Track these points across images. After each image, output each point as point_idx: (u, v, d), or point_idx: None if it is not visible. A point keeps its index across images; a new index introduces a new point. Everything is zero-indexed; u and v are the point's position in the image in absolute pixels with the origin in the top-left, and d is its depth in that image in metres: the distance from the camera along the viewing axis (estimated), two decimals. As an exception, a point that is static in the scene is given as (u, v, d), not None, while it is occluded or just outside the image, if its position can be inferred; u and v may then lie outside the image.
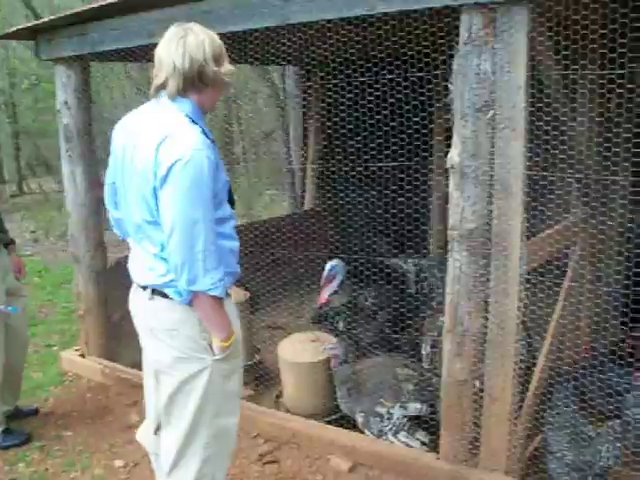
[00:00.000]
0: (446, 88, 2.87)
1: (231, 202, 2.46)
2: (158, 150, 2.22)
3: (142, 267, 2.48)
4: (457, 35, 2.76)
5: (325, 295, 4.48)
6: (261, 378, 4.44)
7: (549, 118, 2.91)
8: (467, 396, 3.07)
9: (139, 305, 2.56)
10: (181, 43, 2.26)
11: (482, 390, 3.04)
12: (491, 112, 2.73)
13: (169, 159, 2.18)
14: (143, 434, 2.86)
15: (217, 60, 2.32)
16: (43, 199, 14.90)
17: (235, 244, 2.48)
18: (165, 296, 2.41)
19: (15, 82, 16.12)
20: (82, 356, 4.96)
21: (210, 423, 2.49)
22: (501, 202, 2.79)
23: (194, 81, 2.30)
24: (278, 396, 4.24)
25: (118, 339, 4.76)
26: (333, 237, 6.67)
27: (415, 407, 3.50)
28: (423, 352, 3.95)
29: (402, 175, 5.43)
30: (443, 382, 3.15)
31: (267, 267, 5.39)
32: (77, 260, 4.70)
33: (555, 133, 3.05)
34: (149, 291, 2.46)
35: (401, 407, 3.49)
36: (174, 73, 2.27)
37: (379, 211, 5.85)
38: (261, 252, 5.43)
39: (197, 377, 2.43)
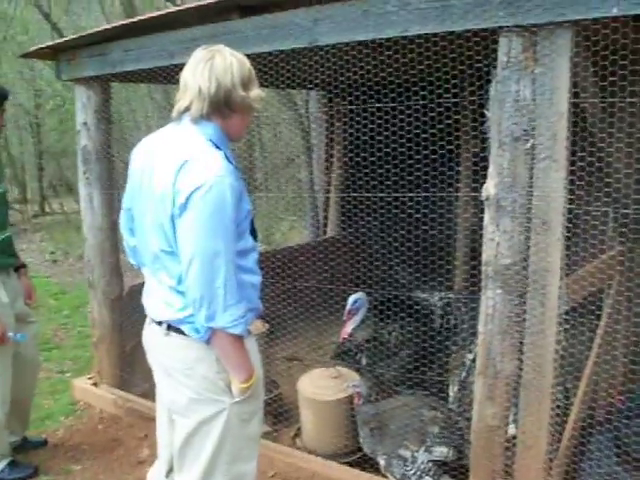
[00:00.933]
0: (476, 115, 2.72)
1: (253, 233, 2.31)
2: (177, 175, 2.09)
3: (158, 301, 2.34)
4: (495, 59, 2.61)
5: (348, 330, 4.30)
6: (279, 414, 4.25)
7: (590, 149, 2.74)
8: (498, 443, 2.88)
9: (153, 341, 2.41)
10: (208, 66, 2.14)
11: (515, 437, 2.84)
12: (530, 141, 2.56)
13: (189, 186, 2.05)
14: (154, 475, 2.69)
15: (245, 85, 2.19)
16: (64, 219, 14.89)
17: (257, 278, 2.34)
18: (182, 332, 2.26)
19: (40, 103, 16.18)
20: (95, 385, 4.81)
21: (226, 469, 2.33)
22: (539, 237, 2.61)
23: (220, 106, 2.17)
24: (297, 434, 4.05)
25: (132, 368, 4.61)
26: (355, 266, 6.49)
27: (441, 451, 3.30)
28: (450, 393, 3.76)
29: (427, 205, 5.30)
30: (473, 427, 2.95)
31: (286, 297, 5.22)
32: (92, 285, 4.57)
33: (594, 164, 2.89)
34: (165, 327, 2.32)
35: (426, 451, 3.30)
36: (199, 96, 2.15)
37: (402, 241, 5.68)
38: (280, 281, 5.27)
39: (214, 420, 2.27)
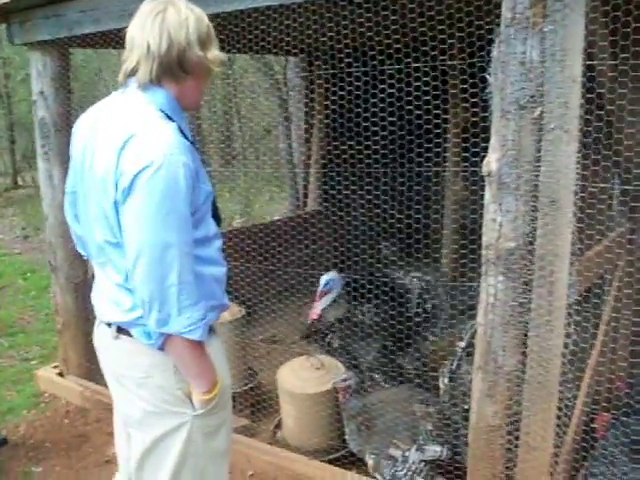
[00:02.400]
0: (466, 78, 2.41)
1: (216, 218, 1.99)
2: (120, 154, 1.77)
3: (105, 299, 2.03)
4: (497, 16, 2.29)
5: (317, 310, 4.01)
6: (258, 405, 3.96)
7: (600, 119, 2.44)
8: (500, 444, 2.60)
9: (103, 344, 2.12)
10: (158, 20, 1.82)
11: (517, 438, 2.57)
12: (538, 110, 2.24)
13: (134, 166, 1.73)
14: None
15: (203, 43, 1.88)
16: (36, 193, 14.40)
17: (221, 270, 2.03)
18: (132, 336, 1.96)
19: (10, 72, 15.60)
20: (60, 375, 4.50)
21: None
22: (547, 218, 2.30)
23: (172, 67, 1.85)
24: (277, 426, 3.77)
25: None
26: (336, 243, 6.18)
27: (434, 450, 3.03)
28: (441, 385, 3.48)
29: (413, 178, 4.99)
30: (472, 427, 2.68)
31: (263, 275, 4.90)
32: (54, 269, 4.24)
33: (603, 137, 2.59)
34: (114, 329, 2.01)
35: (418, 450, 3.03)
36: (148, 56, 1.82)
37: (385, 216, 5.38)
38: (257, 259, 4.96)
39: (173, 435, 1.98)
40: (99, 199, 1.86)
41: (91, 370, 4.32)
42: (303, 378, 3.50)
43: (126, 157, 1.75)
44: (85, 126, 1.99)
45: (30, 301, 6.89)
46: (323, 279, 4.06)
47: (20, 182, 17.03)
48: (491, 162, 2.38)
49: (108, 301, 2.00)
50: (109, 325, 2.02)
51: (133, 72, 1.88)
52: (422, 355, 4.11)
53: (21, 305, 6.76)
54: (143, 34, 1.82)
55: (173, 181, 1.73)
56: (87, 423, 4.06)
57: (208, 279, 1.95)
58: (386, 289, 4.05)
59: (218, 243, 2.01)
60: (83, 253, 2.23)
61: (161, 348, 1.90)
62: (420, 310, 4.47)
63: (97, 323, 2.16)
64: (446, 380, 3.44)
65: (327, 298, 4.04)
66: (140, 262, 1.75)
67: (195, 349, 1.87)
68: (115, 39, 3.41)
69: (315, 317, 4.08)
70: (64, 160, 3.99)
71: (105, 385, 3.99)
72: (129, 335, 1.97)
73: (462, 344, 3.45)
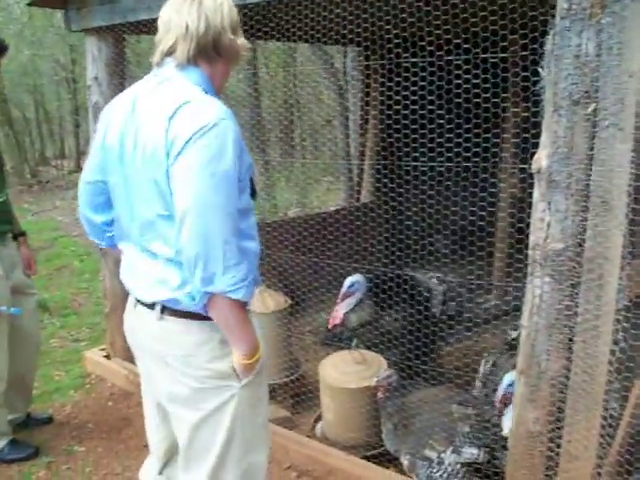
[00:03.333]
0: (528, 73, 2.31)
1: (253, 195, 2.00)
2: (171, 122, 1.81)
3: (148, 280, 2.03)
4: (553, 6, 2.19)
5: (340, 314, 3.85)
6: (299, 397, 3.93)
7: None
8: (540, 451, 2.51)
9: (141, 327, 2.12)
10: (196, 4, 1.91)
11: (559, 446, 2.48)
12: (592, 106, 2.14)
13: (189, 129, 1.77)
14: (147, 473, 2.42)
15: (234, 29, 1.99)
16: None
17: (257, 245, 2.02)
18: (178, 315, 1.98)
19: (76, 58, 15.92)
20: (107, 357, 4.56)
21: (238, 462, 2.08)
22: (598, 219, 2.20)
23: (207, 49, 1.94)
24: (317, 419, 3.74)
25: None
26: (388, 235, 6.10)
27: (471, 453, 2.95)
28: (479, 374, 3.38)
29: (468, 173, 4.89)
30: (512, 432, 2.60)
31: (313, 265, 4.86)
32: (104, 253, 4.27)
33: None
34: (158, 309, 2.02)
35: (454, 452, 2.95)
36: (186, 36, 1.90)
37: (439, 209, 5.28)
38: (308, 249, 4.93)
39: (223, 409, 2.02)
40: (150, 175, 1.87)
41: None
42: (344, 372, 3.46)
43: (179, 122, 1.79)
44: (119, 112, 2.00)
45: (84, 283, 7.04)
46: (348, 281, 3.90)
47: (83, 166, 17.37)
48: (541, 159, 2.28)
49: (152, 282, 2.01)
50: (151, 306, 2.04)
51: (170, 52, 1.94)
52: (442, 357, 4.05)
53: (75, 287, 6.91)
54: (181, 16, 1.90)
55: (224, 143, 1.78)
56: (130, 406, 4.10)
57: (248, 251, 1.94)
58: (411, 291, 3.95)
59: (254, 218, 2.03)
60: (97, 240, 2.29)
61: (204, 310, 1.91)
62: (443, 312, 4.37)
63: (132, 305, 2.18)
64: (488, 366, 3.37)
65: (350, 301, 3.91)
66: (187, 220, 1.77)
67: (239, 309, 1.89)
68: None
69: (338, 321, 3.94)
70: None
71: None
72: (175, 315, 1.99)
73: (514, 334, 3.36)
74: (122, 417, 3.98)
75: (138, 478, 2.49)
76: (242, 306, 1.90)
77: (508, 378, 3.03)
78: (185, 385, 2.01)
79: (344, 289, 3.91)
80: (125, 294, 4.26)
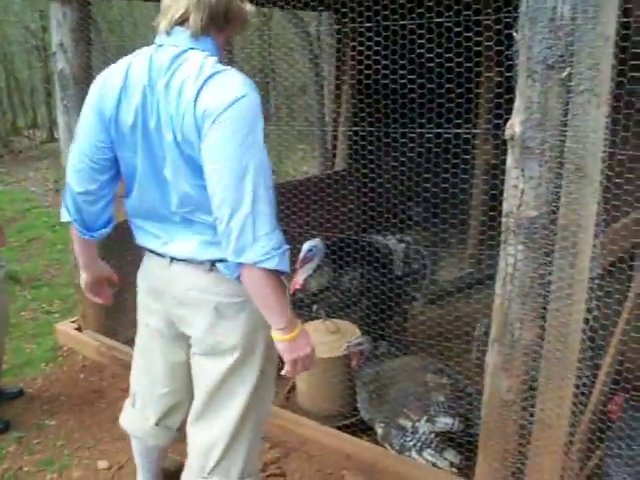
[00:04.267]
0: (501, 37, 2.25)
1: None
2: (198, 98, 1.81)
3: (192, 244, 2.06)
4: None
5: (299, 279, 3.78)
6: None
7: (634, 82, 2.27)
8: (513, 420, 2.51)
9: (183, 282, 2.11)
10: None
11: (532, 414, 2.48)
12: (567, 70, 2.09)
13: (219, 103, 1.79)
14: (132, 424, 2.54)
15: None
16: (69, 147, 14.46)
17: None
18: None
19: (46, 24, 15.58)
20: (79, 329, 4.49)
21: (261, 406, 2.23)
22: (572, 186, 2.16)
23: (219, 17, 1.94)
24: (290, 391, 3.72)
25: (117, 313, 4.27)
26: (362, 203, 6.05)
27: (445, 422, 2.95)
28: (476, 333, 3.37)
29: (441, 139, 4.83)
30: (485, 401, 2.58)
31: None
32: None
33: (636, 101, 2.43)
34: (207, 265, 2.06)
35: (428, 421, 2.95)
36: (199, 3, 1.89)
37: (412, 176, 5.24)
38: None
39: (255, 352, 2.13)
40: (182, 149, 1.88)
41: (108, 326, 4.32)
42: (317, 341, 3.41)
43: (208, 97, 1.80)
44: (133, 87, 1.94)
45: (56, 254, 6.92)
46: (307, 245, 3.81)
47: (56, 135, 17.09)
48: (514, 125, 2.23)
49: (198, 243, 2.04)
50: (200, 263, 2.05)
51: (181, 20, 1.91)
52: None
53: (47, 258, 6.80)
54: None
55: (255, 114, 1.82)
56: (102, 379, 4.05)
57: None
58: (370, 253, 3.93)
59: None
60: (81, 228, 2.26)
61: (238, 280, 1.93)
62: (406, 271, 4.34)
63: (162, 263, 2.16)
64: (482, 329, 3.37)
65: (310, 265, 3.83)
66: (218, 188, 1.80)
67: (272, 279, 1.86)
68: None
69: (298, 286, 3.89)
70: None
71: (125, 342, 4.04)
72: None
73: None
74: (94, 390, 3.93)
75: (113, 446, 2.52)
76: (275, 276, 1.87)
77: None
78: (234, 332, 2.08)
79: (302, 254, 3.83)
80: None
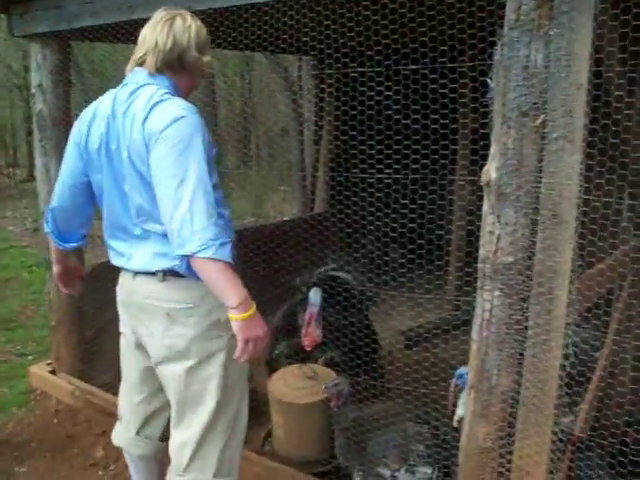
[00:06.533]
0: (476, 84, 2.28)
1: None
2: (146, 122, 2.15)
3: (146, 256, 2.34)
4: (501, 17, 2.16)
5: (316, 332, 3.68)
6: (252, 411, 3.83)
7: (607, 129, 2.30)
8: (491, 467, 2.47)
9: (143, 291, 2.38)
10: (167, 25, 2.26)
11: (510, 461, 2.44)
12: (541, 117, 2.12)
13: (160, 124, 2.12)
14: (119, 437, 2.71)
15: (200, 49, 2.32)
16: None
17: (228, 212, 2.32)
18: (178, 276, 2.28)
19: (27, 65, 15.62)
20: (53, 372, 4.42)
21: (228, 407, 2.40)
22: (548, 232, 2.17)
23: (173, 62, 2.28)
24: (267, 435, 3.66)
25: (92, 357, 4.21)
26: (342, 245, 6.04)
27: (424, 472, 2.90)
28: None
29: (420, 185, 4.87)
30: (462, 448, 2.55)
31: (263, 277, 4.77)
32: (48, 265, 4.14)
33: (610, 148, 2.45)
34: (160, 275, 2.32)
35: (407, 471, 2.90)
36: (154, 50, 2.26)
37: (392, 219, 5.25)
38: (258, 260, 4.84)
39: (215, 357, 2.33)
40: (136, 168, 2.19)
41: (83, 370, 4.25)
42: (294, 387, 3.39)
43: (153, 120, 2.14)
44: (98, 119, 2.31)
45: (32, 296, 6.83)
46: (313, 299, 3.77)
47: (36, 175, 17.01)
48: (490, 171, 2.25)
49: (151, 255, 2.31)
50: (153, 274, 2.32)
51: (141, 62, 2.30)
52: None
53: (23, 299, 6.72)
54: (154, 33, 2.25)
55: (193, 130, 2.13)
56: (76, 423, 3.97)
57: (222, 217, 2.20)
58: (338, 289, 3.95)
59: (221, 192, 2.29)
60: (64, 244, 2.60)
61: (189, 271, 2.18)
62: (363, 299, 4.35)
63: (129, 277, 2.43)
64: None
65: (319, 318, 3.77)
66: (163, 194, 2.11)
67: (216, 265, 2.08)
68: (112, 33, 3.34)
69: (320, 340, 3.77)
70: (62, 154, 3.91)
71: (100, 385, 3.98)
72: (176, 275, 2.27)
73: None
74: (67, 435, 3.85)
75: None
76: (218, 262, 2.08)
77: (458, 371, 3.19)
78: (182, 337, 2.30)
79: (314, 309, 3.78)
80: (70, 308, 4.17)
